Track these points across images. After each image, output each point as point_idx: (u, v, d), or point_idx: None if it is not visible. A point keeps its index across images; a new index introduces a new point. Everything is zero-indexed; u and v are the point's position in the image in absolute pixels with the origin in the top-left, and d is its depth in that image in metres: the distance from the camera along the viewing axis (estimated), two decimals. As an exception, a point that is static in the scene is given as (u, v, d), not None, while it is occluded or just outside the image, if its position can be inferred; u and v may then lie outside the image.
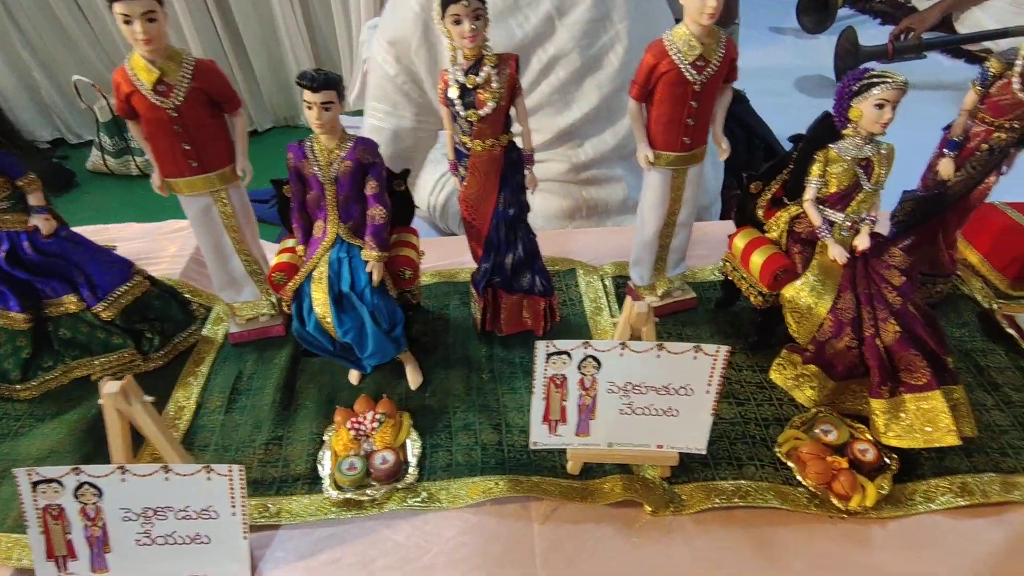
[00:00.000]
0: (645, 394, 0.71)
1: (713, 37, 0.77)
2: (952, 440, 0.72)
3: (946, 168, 0.83)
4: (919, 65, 3.28)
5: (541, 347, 0.68)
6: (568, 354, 0.69)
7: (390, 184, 0.90)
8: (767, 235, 0.89)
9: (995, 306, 0.96)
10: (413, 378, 0.91)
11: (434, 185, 1.68)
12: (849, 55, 2.89)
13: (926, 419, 0.74)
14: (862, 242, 0.79)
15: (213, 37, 3.11)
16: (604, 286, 1.06)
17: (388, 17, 1.37)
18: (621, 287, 1.06)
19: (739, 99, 1.93)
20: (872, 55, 2.91)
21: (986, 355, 0.91)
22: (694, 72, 0.77)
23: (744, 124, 1.93)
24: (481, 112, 0.77)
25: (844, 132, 0.78)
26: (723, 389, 0.69)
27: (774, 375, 0.89)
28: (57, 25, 2.96)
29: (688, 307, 1.01)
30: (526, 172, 0.85)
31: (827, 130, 0.80)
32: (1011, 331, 0.91)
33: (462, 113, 0.78)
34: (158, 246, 1.15)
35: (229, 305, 0.97)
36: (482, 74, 0.75)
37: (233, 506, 0.66)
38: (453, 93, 0.77)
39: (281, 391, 0.90)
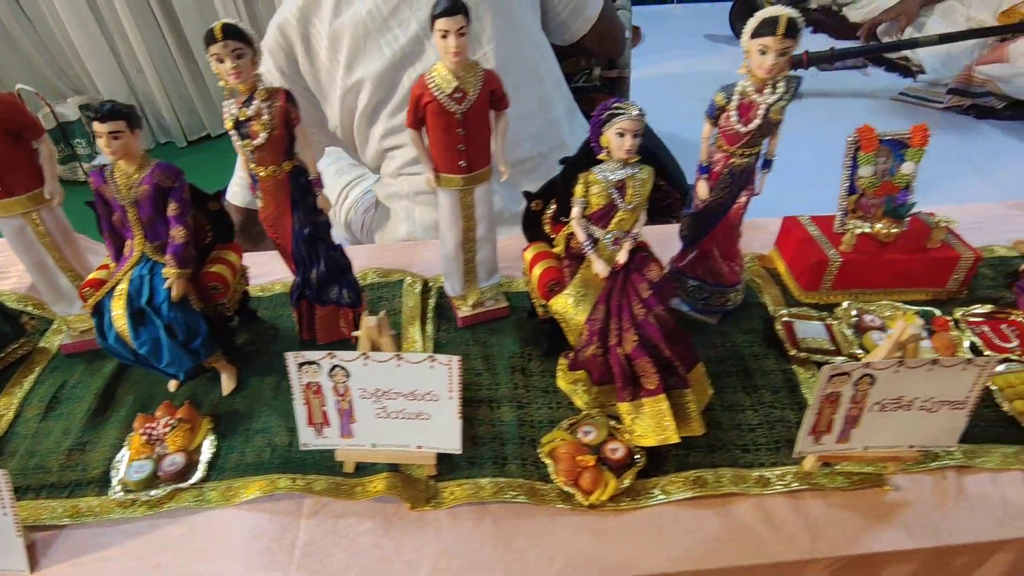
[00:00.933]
0: (395, 400, 0.78)
1: (469, 71, 0.84)
2: (674, 438, 0.80)
3: (701, 190, 0.90)
4: (850, 76, 3.39)
5: (290, 358, 0.75)
6: (317, 364, 0.76)
7: (205, 204, 0.97)
8: (554, 249, 0.97)
9: (778, 313, 1.04)
10: (226, 384, 0.97)
11: (336, 197, 1.74)
12: (765, 64, 2.98)
13: (657, 420, 0.81)
14: (621, 257, 0.86)
15: (160, 41, 3.14)
16: (424, 297, 1.12)
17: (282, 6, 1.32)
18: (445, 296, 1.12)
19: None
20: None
21: (758, 359, 0.98)
22: (453, 103, 0.84)
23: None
24: (255, 142, 0.83)
25: (600, 157, 0.85)
26: (464, 394, 0.76)
27: (559, 381, 0.96)
28: (3, 32, 2.98)
29: (501, 316, 1.08)
30: (317, 195, 0.91)
31: (590, 154, 0.87)
32: (781, 336, 0.99)
33: (239, 143, 0.84)
34: (10, 260, 1.19)
35: (63, 318, 1.03)
36: (252, 107, 0.82)
37: (3, 507, 0.73)
38: (228, 125, 0.83)
39: (99, 399, 0.95)
